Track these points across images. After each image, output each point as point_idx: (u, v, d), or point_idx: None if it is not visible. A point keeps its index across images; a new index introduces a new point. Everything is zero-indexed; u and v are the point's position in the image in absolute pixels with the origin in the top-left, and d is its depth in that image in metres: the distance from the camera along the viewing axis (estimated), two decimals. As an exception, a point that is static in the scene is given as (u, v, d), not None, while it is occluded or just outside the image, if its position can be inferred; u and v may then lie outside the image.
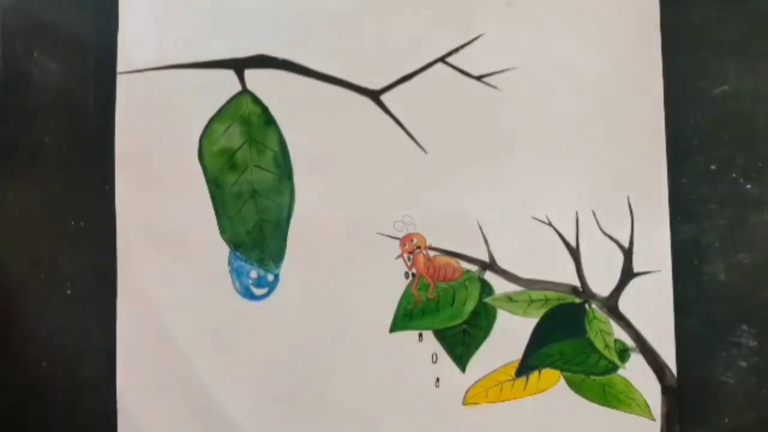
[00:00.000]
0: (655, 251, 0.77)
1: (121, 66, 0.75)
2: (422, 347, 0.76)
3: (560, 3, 0.77)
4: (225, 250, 0.76)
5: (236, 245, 0.76)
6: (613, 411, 0.76)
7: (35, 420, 0.76)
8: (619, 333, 0.77)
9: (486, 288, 0.77)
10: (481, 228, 0.76)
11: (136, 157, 0.75)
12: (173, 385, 0.75)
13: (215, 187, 0.76)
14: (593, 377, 0.77)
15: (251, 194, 0.76)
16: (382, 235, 0.76)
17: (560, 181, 0.77)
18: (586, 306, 0.77)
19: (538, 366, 0.77)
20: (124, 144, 0.75)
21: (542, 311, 0.77)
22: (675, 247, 0.77)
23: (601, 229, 0.77)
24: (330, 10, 0.76)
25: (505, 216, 0.76)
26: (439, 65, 0.76)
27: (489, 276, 0.77)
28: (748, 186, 0.77)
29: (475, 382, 0.76)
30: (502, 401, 0.77)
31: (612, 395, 0.77)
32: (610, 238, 0.77)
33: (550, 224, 0.77)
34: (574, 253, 0.77)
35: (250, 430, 0.76)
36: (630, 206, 0.77)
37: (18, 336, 0.74)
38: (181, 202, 0.75)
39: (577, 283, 0.77)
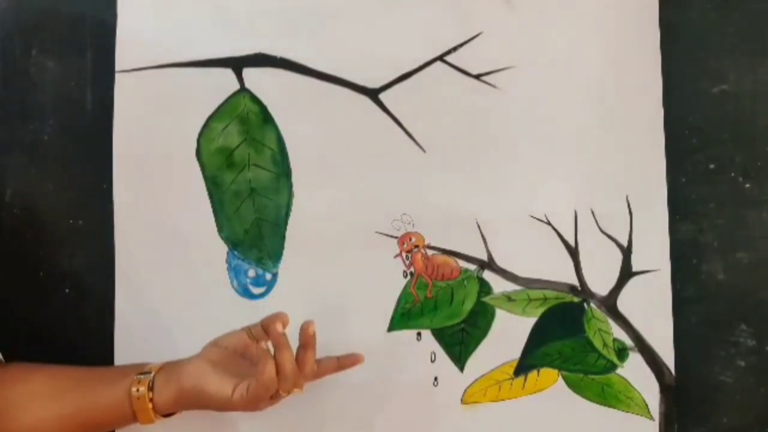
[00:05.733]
0: (654, 250, 0.77)
1: (119, 65, 0.75)
2: (421, 346, 0.76)
3: (559, 2, 0.77)
4: (223, 248, 0.75)
5: (234, 244, 0.76)
6: (612, 410, 0.76)
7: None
8: (618, 332, 0.77)
9: (484, 287, 0.77)
10: (479, 227, 0.76)
11: (134, 155, 0.75)
12: (171, 383, 0.75)
13: (213, 185, 0.76)
14: (592, 376, 0.77)
15: (249, 193, 0.76)
16: (381, 234, 0.76)
17: (559, 180, 0.77)
18: (585, 305, 0.77)
19: (536, 365, 0.77)
20: (122, 142, 0.75)
21: (541, 310, 0.77)
22: (674, 246, 0.77)
23: (600, 228, 0.77)
24: (328, 9, 0.76)
25: (503, 215, 0.76)
26: (438, 64, 0.76)
27: (487, 275, 0.77)
28: (747, 185, 0.77)
29: (474, 381, 0.76)
30: (501, 400, 0.76)
31: (610, 394, 0.76)
32: (609, 237, 0.77)
33: (548, 223, 0.77)
34: (573, 252, 0.77)
35: (247, 428, 0.75)
36: (629, 205, 0.77)
37: (17, 334, 0.73)
38: (179, 200, 0.75)
39: (575, 282, 0.77)
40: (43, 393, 0.67)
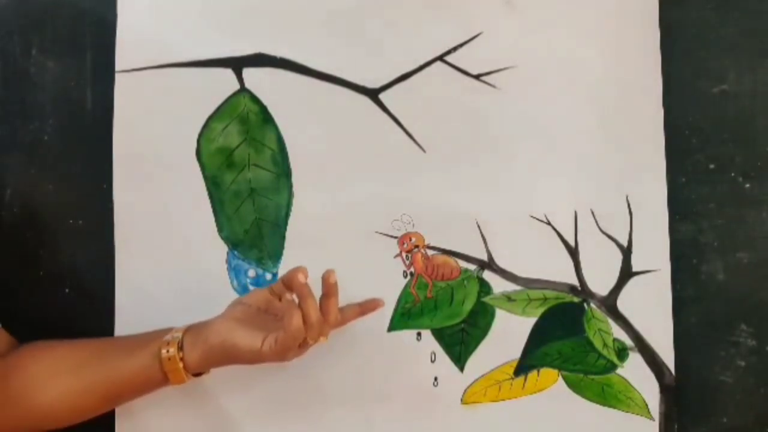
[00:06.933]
0: (654, 250, 0.77)
1: (119, 65, 0.75)
2: (421, 346, 0.76)
3: (559, 2, 0.77)
4: (223, 248, 0.75)
5: (234, 244, 0.76)
6: (612, 410, 0.76)
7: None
8: (618, 332, 0.77)
9: (484, 287, 0.77)
10: (479, 227, 0.76)
11: (134, 155, 0.75)
12: (171, 383, 0.75)
13: (213, 185, 0.76)
14: (592, 376, 0.77)
15: (249, 193, 0.76)
16: (381, 234, 0.76)
17: (559, 180, 0.77)
18: (585, 305, 0.77)
19: (536, 365, 0.77)
20: (122, 142, 0.75)
21: (541, 310, 0.77)
22: (674, 247, 0.77)
23: (600, 228, 0.77)
24: (328, 9, 0.76)
25: (503, 215, 0.76)
26: (438, 64, 0.76)
27: (487, 275, 0.77)
28: (747, 185, 0.77)
29: (474, 381, 0.76)
30: (501, 400, 0.76)
31: (610, 394, 0.76)
32: (609, 237, 0.77)
33: (548, 223, 0.77)
34: (573, 252, 0.77)
35: (248, 428, 0.75)
36: (629, 205, 0.77)
37: (17, 334, 0.73)
38: (179, 200, 0.75)
39: (575, 282, 0.77)
40: (65, 367, 0.68)
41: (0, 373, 0.68)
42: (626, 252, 0.77)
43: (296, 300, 0.65)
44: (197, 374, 0.68)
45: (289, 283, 0.67)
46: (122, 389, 0.68)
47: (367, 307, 0.72)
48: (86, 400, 0.67)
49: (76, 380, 0.67)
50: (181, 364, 0.66)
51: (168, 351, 0.66)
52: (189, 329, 0.68)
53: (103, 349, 0.69)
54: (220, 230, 0.76)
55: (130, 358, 0.67)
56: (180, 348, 0.66)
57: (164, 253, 0.75)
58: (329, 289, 0.66)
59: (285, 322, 0.64)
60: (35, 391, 0.67)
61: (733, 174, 0.77)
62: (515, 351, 0.77)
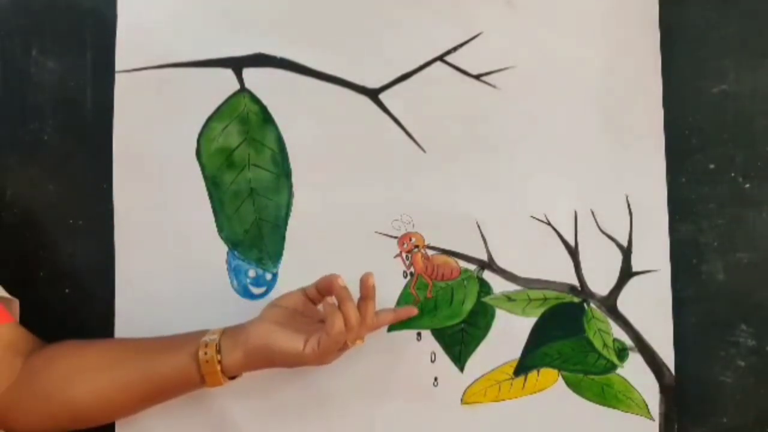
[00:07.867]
0: (654, 250, 0.77)
1: (119, 65, 0.75)
2: (421, 346, 0.76)
3: (559, 3, 0.77)
4: (223, 248, 0.75)
5: (234, 244, 0.76)
6: (612, 410, 0.76)
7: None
8: (618, 332, 0.77)
9: (484, 287, 0.77)
10: (479, 227, 0.76)
11: (134, 155, 0.75)
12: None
13: (213, 185, 0.76)
14: (592, 376, 0.77)
15: (249, 193, 0.76)
16: (381, 234, 0.76)
17: (559, 180, 0.77)
18: (585, 305, 0.77)
19: (536, 365, 0.77)
20: (122, 143, 0.75)
21: (541, 310, 0.77)
22: (674, 247, 0.77)
23: (600, 228, 0.77)
24: (328, 9, 0.76)
25: (503, 215, 0.76)
26: (438, 64, 0.76)
27: (487, 275, 0.77)
28: (747, 185, 0.77)
29: (474, 382, 0.76)
30: (501, 400, 0.76)
31: (610, 394, 0.76)
32: (609, 237, 0.77)
33: (548, 223, 0.77)
34: (573, 252, 0.77)
35: (248, 429, 0.75)
36: (629, 205, 0.77)
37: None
38: (179, 201, 0.75)
39: (575, 282, 0.77)
40: (97, 364, 0.68)
41: (28, 369, 0.68)
42: (626, 252, 0.77)
43: (336, 304, 0.67)
44: (232, 377, 0.69)
45: (326, 287, 0.69)
46: (156, 389, 0.68)
47: (401, 313, 0.73)
48: (119, 398, 0.68)
49: (110, 377, 0.67)
50: (218, 367, 0.66)
51: (206, 353, 0.66)
52: (226, 332, 0.68)
53: (137, 348, 0.69)
54: (220, 230, 0.76)
55: (166, 357, 0.67)
56: (218, 351, 0.66)
57: (164, 253, 0.75)
58: (368, 291, 0.68)
59: (327, 325, 0.65)
60: (65, 386, 0.67)
61: (733, 174, 0.77)
62: (515, 351, 0.76)
